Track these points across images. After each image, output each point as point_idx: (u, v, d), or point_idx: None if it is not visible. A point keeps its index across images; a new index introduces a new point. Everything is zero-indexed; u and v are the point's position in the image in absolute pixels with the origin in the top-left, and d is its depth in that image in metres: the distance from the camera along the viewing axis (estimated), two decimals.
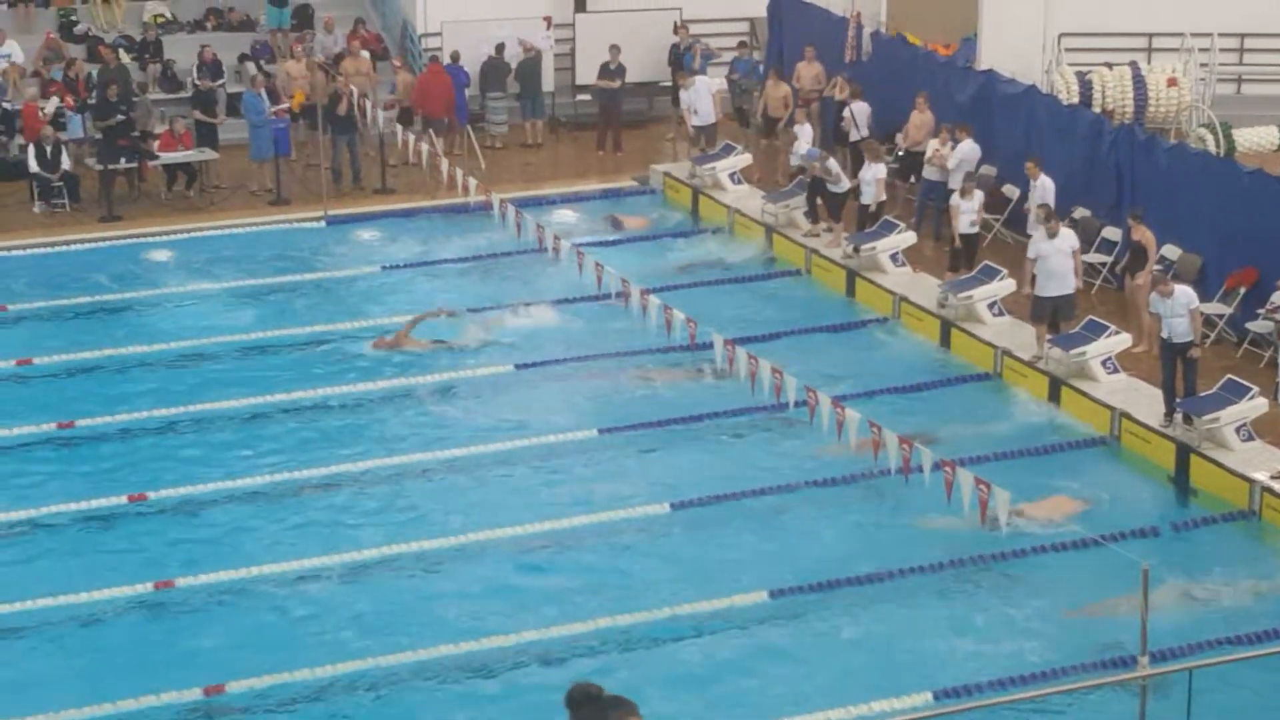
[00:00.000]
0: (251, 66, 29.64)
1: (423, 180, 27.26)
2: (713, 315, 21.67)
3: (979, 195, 23.04)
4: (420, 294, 23.68)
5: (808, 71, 28.70)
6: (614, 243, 25.44)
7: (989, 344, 21.13)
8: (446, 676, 14.78)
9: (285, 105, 28.16)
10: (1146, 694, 11.73)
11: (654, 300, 21.34)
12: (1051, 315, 20.54)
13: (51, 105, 28.04)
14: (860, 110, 26.83)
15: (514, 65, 30.32)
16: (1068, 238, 20.69)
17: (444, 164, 26.13)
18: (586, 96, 31.10)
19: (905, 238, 23.57)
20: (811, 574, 16.29)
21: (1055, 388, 20.08)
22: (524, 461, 18.73)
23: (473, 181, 25.49)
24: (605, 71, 29.96)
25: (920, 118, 25.62)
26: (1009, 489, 15.88)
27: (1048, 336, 20.43)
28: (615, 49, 29.95)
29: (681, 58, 30.18)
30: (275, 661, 14.88)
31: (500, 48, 30.22)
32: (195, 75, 29.55)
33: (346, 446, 19.17)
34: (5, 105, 28.42)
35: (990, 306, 21.69)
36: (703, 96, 28.23)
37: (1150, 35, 29.98)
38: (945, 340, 21.80)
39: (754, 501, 17.80)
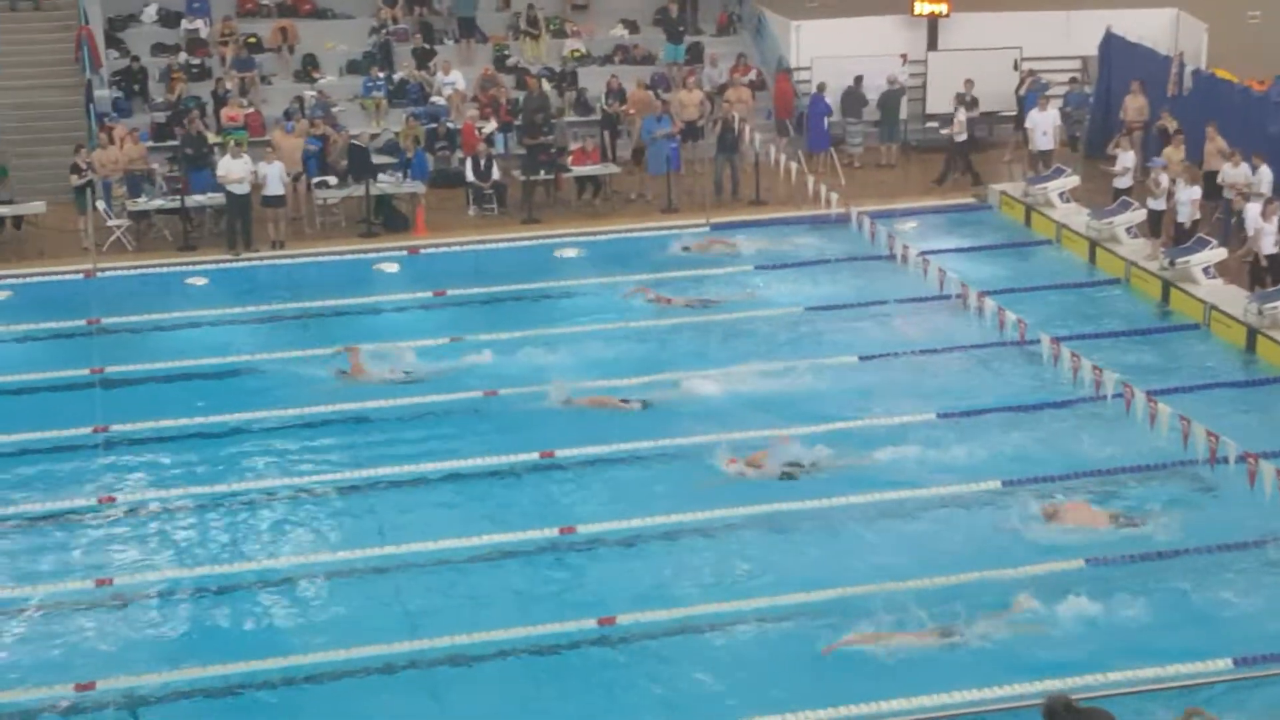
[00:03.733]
0: (651, 95, 30.01)
1: (791, 193, 27.34)
2: (1040, 316, 21.30)
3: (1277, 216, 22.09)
4: (784, 290, 23.70)
5: (1133, 104, 27.96)
6: (955, 251, 25.13)
7: None
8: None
9: (679, 127, 28.49)
10: None
11: (989, 302, 21.07)
12: None
13: (490, 126, 28.98)
14: (1047, 119, 27.14)
15: (871, 95, 30.21)
16: None
17: (810, 180, 26.24)
18: (935, 124, 30.75)
19: (1217, 253, 22.76)
20: (1125, 546, 15.87)
21: None
22: (871, 439, 18.50)
23: (834, 195, 25.48)
24: (962, 102, 29.50)
25: (1210, 146, 24.77)
26: None
27: None
28: (969, 83, 29.46)
29: (1023, 93, 29.66)
30: (657, 598, 15.12)
31: (858, 80, 30.15)
32: (603, 101, 30.17)
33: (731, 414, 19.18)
34: (449, 125, 29.44)
35: None
36: (1044, 126, 27.75)
37: None
38: (1251, 345, 20.98)
39: (1072, 482, 17.34)
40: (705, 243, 25.75)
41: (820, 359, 20.83)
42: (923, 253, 23.54)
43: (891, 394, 19.75)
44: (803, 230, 26.21)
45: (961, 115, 28.72)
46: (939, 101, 30.23)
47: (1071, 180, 26.64)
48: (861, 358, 20.89)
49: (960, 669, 13.80)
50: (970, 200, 27.87)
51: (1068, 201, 26.41)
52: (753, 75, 31.19)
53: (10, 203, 26.20)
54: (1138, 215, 24.56)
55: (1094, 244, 24.75)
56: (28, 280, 24.25)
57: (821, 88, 29.59)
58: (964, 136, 28.66)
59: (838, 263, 24.74)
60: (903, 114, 30.44)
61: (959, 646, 14.15)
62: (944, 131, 29.31)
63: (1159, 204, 24.04)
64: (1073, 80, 30.75)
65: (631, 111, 29.00)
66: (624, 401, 19.52)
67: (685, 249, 25.54)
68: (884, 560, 15.76)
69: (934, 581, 15.22)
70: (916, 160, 30.58)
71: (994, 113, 30.70)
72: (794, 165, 26.95)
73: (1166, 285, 22.90)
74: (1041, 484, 17.23)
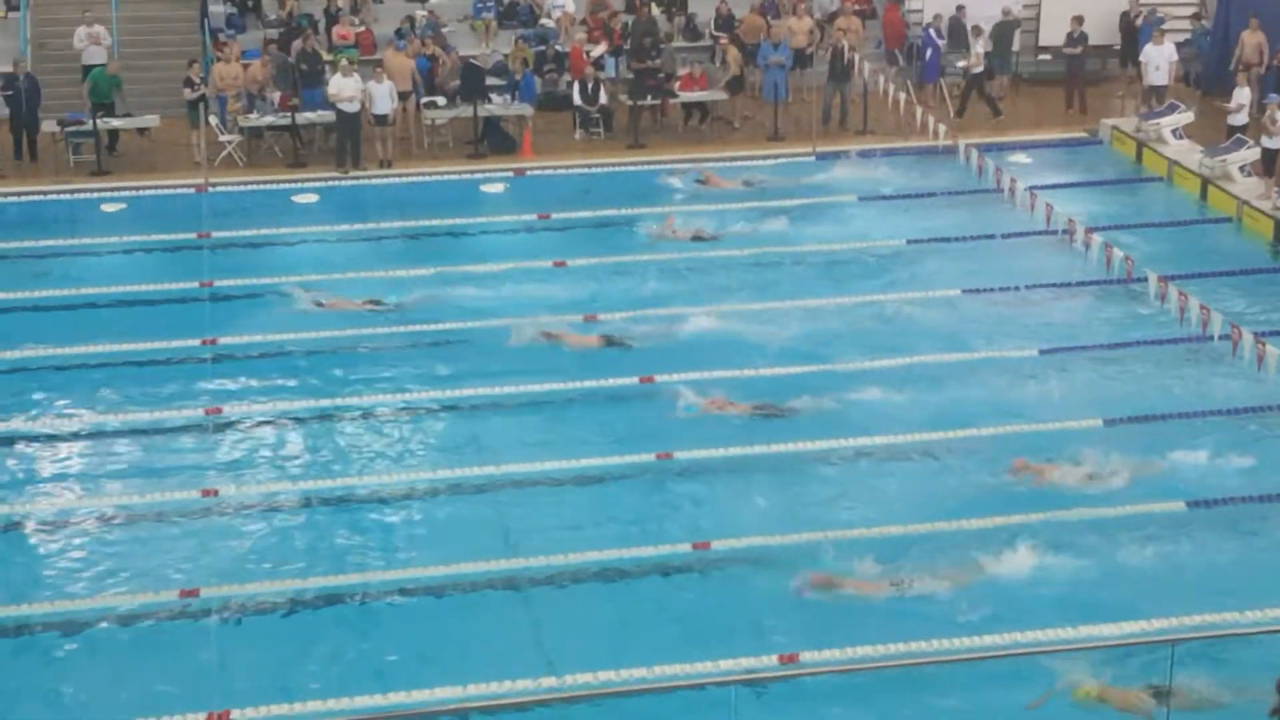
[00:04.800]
0: (764, 20, 29.61)
1: (899, 124, 27.00)
2: (1148, 254, 20.93)
3: None
4: (887, 222, 23.32)
5: (1250, 40, 27.32)
6: (1063, 186, 24.72)
7: None
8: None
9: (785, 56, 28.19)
10: None
11: (1096, 238, 20.74)
12: None
13: (598, 50, 28.83)
14: (1162, 53, 26.51)
15: (972, 26, 29.64)
16: None
17: (918, 111, 25.91)
18: (1047, 57, 30.21)
19: None
20: (1224, 489, 15.61)
21: None
22: (969, 373, 18.28)
23: (941, 128, 25.11)
24: (1069, 40, 28.93)
25: None
26: None
27: None
28: (1077, 20, 28.91)
29: (1135, 26, 29.06)
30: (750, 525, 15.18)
31: (960, 9, 29.71)
32: (712, 27, 29.89)
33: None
34: (557, 48, 29.33)
35: None
36: (1158, 61, 27.19)
37: None
38: None
39: (1176, 422, 17.07)
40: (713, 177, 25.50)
41: (921, 291, 20.60)
42: (1031, 187, 23.20)
43: (993, 329, 19.51)
44: (909, 161, 25.89)
45: (980, 47, 28.10)
46: (1052, 33, 29.67)
47: (1185, 116, 26.10)
48: (964, 291, 20.64)
49: (1041, 607, 13.75)
50: (1081, 135, 27.41)
51: (1180, 138, 25.89)
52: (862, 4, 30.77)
53: (127, 115, 26.47)
54: (1252, 153, 24.04)
55: (1206, 182, 24.26)
56: (141, 193, 24.52)
57: (936, 19, 29.20)
58: (980, 68, 28.06)
59: (943, 195, 24.42)
60: (1015, 46, 29.92)
61: (1047, 582, 14.09)
62: (961, 64, 28.66)
63: (1274, 142, 23.53)
64: (1195, 16, 30.07)
65: (724, 41, 28.74)
66: (608, 340, 19.36)
67: (699, 181, 25.30)
68: (984, 493, 15.63)
69: (1029, 518, 15.07)
70: (1027, 93, 30.07)
71: (1107, 46, 30.11)
72: (902, 96, 26.62)
73: (1279, 225, 22.41)
74: (1143, 423, 16.97)
